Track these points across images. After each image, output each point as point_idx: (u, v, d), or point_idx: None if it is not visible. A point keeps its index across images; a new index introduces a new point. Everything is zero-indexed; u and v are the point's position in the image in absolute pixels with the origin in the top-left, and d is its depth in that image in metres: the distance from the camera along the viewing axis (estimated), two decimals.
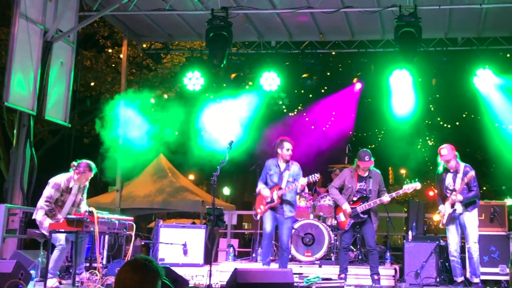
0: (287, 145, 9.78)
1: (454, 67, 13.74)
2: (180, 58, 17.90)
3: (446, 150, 9.45)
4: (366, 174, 9.76)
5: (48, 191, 8.88)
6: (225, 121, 14.77)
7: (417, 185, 9.45)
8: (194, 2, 12.22)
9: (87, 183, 9.31)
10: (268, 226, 9.77)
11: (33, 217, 9.06)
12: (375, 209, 9.77)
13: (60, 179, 8.99)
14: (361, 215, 9.67)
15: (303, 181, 9.62)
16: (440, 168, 9.67)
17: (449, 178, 9.51)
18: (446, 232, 9.70)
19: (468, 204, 9.40)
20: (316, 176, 9.67)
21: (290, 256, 11.19)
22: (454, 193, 9.31)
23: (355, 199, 9.75)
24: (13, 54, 10.32)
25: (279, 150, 9.85)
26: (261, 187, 9.89)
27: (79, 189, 9.17)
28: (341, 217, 9.86)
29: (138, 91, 13.94)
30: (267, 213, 9.80)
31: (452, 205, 9.38)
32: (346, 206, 9.71)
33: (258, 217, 10.10)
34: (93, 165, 9.14)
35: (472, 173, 9.20)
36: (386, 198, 9.56)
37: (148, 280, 3.54)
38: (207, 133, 15.46)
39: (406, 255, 10.65)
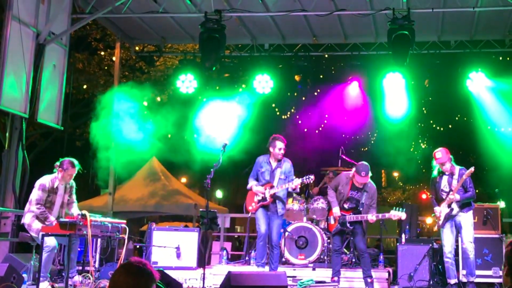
0: (279, 144, 9.77)
1: (447, 70, 13.78)
2: (173, 61, 17.86)
3: (440, 153, 9.46)
4: (362, 186, 9.76)
5: (36, 194, 8.78)
6: (218, 124, 14.76)
7: (403, 215, 9.52)
8: (188, 5, 12.21)
9: (73, 183, 9.19)
10: (262, 226, 9.76)
11: (21, 222, 8.95)
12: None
13: (45, 180, 8.90)
14: (348, 225, 9.71)
15: (297, 182, 9.64)
16: (435, 172, 9.69)
17: (444, 181, 9.53)
18: (441, 234, 9.69)
19: (463, 205, 9.43)
20: (310, 178, 9.69)
21: (284, 260, 11.20)
22: (451, 192, 9.33)
23: (346, 206, 9.79)
24: (5, 57, 10.27)
25: (271, 149, 9.85)
26: (252, 184, 9.92)
27: (65, 189, 9.07)
28: (331, 220, 9.95)
29: (131, 92, 13.87)
30: (259, 212, 9.80)
31: (449, 205, 9.40)
32: (336, 210, 9.77)
33: (250, 214, 10.11)
34: (75, 161, 9.04)
35: (471, 168, 9.21)
36: (371, 217, 9.58)
37: (142, 283, 3.53)
38: (200, 136, 15.43)
39: (400, 258, 10.66)
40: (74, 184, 9.24)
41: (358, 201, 9.72)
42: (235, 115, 14.85)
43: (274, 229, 9.76)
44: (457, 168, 9.48)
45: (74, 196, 9.24)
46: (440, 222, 9.54)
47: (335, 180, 10.18)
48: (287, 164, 9.88)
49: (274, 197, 9.71)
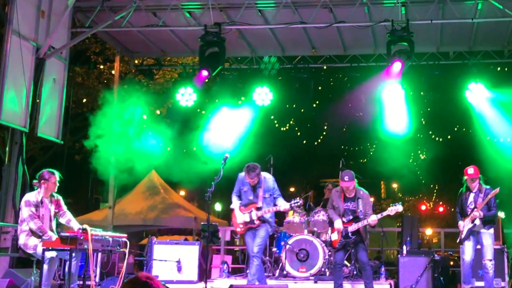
0: (247, 178, 9.46)
1: (446, 81, 13.81)
2: (172, 74, 17.88)
3: (473, 169, 9.76)
4: (353, 194, 9.70)
5: (26, 211, 8.54)
6: (218, 137, 14.75)
7: (399, 208, 9.58)
8: (187, 18, 12.24)
9: (59, 196, 9.03)
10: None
11: (19, 244, 8.77)
12: (364, 229, 9.73)
13: (28, 196, 8.72)
14: (350, 236, 9.65)
15: (285, 206, 9.48)
16: (463, 188, 9.92)
17: (471, 197, 9.80)
18: (461, 247, 9.91)
19: (486, 222, 9.66)
20: (298, 202, 9.51)
21: (285, 272, 11.15)
22: (475, 209, 9.57)
23: (345, 220, 9.74)
24: (5, 71, 10.27)
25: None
26: (236, 205, 9.67)
27: (51, 202, 8.91)
28: (334, 235, 9.85)
29: (130, 106, 13.88)
30: (247, 236, 9.58)
31: (473, 221, 9.62)
32: (338, 224, 9.68)
33: (239, 235, 9.93)
34: (53, 170, 8.95)
35: (497, 189, 9.55)
36: (373, 218, 9.46)
37: None
38: (199, 148, 15.42)
39: (401, 269, 10.64)
40: (60, 197, 9.07)
41: (355, 211, 9.68)
42: (234, 128, 14.85)
43: (256, 239, 9.45)
44: (484, 187, 9.74)
45: (65, 207, 9.01)
46: (463, 236, 9.75)
47: (330, 198, 10.11)
48: (269, 182, 9.62)
49: (262, 219, 9.46)
